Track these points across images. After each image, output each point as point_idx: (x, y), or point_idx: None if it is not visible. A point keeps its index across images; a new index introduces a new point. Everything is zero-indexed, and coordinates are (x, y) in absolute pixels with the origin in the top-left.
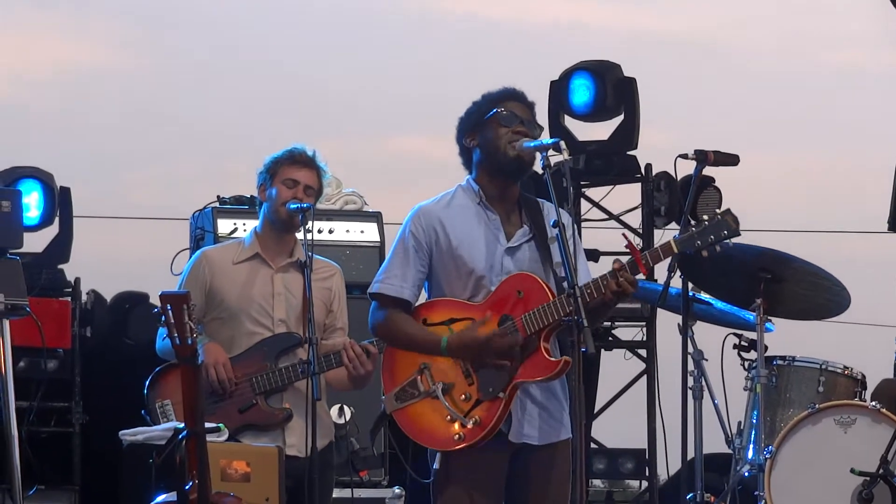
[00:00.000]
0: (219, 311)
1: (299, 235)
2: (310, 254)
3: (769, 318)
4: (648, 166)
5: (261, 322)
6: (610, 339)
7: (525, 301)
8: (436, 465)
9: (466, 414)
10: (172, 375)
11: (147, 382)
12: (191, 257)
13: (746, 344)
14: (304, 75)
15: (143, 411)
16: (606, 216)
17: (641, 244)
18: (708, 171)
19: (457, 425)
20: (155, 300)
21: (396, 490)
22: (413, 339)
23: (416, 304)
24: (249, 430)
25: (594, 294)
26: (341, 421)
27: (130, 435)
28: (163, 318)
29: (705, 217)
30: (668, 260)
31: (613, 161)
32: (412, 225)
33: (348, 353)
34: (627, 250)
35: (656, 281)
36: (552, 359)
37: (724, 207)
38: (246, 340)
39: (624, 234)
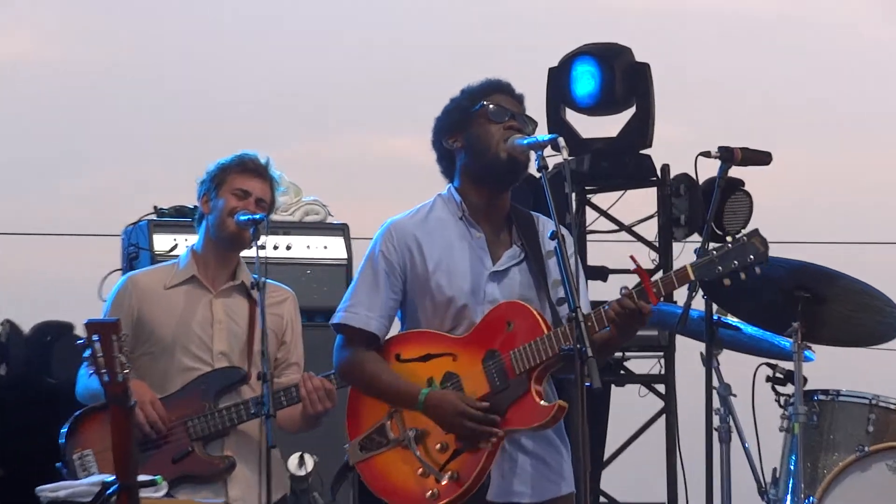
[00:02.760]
0: (149, 345)
1: (250, 252)
2: (262, 279)
3: (809, 345)
4: (665, 167)
5: (198, 356)
6: (621, 372)
7: (515, 334)
8: None
9: (442, 467)
10: (95, 421)
11: (64, 430)
12: (118, 282)
13: (782, 376)
14: (257, 69)
15: (58, 464)
16: (616, 227)
17: (658, 260)
18: (735, 171)
19: (431, 480)
20: (81, 331)
21: None
22: (382, 384)
23: (387, 336)
24: (186, 483)
25: (595, 328)
26: (302, 472)
27: (51, 491)
28: (88, 351)
29: (729, 239)
30: None
31: (624, 162)
32: (382, 243)
33: (306, 386)
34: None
35: (675, 303)
36: (544, 404)
37: (751, 226)
38: (181, 378)
39: (632, 258)
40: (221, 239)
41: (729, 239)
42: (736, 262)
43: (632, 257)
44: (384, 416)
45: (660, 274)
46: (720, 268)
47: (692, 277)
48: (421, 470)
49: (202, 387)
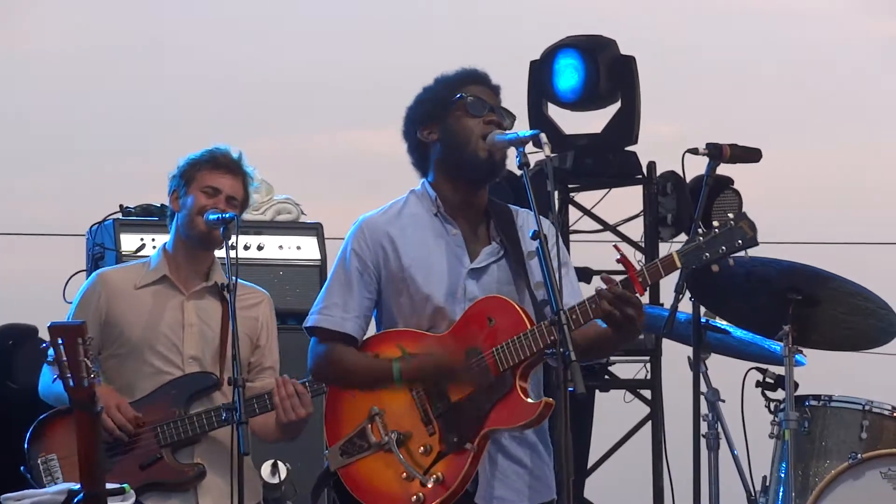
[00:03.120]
0: (117, 347)
1: (220, 253)
2: (233, 278)
3: (800, 348)
4: (651, 165)
5: (168, 359)
6: (606, 376)
7: (497, 330)
8: None
9: (426, 470)
10: (59, 425)
11: (28, 434)
12: (87, 280)
13: (772, 381)
14: (228, 64)
15: (22, 468)
16: (601, 227)
17: (644, 260)
18: (724, 169)
19: (415, 484)
20: (45, 334)
21: None
22: (357, 371)
23: (364, 337)
24: (154, 491)
25: (580, 321)
26: (275, 480)
27: (15, 500)
28: (52, 354)
29: (715, 224)
30: (675, 279)
31: (608, 159)
32: (354, 242)
33: (279, 393)
34: (621, 265)
35: (662, 305)
36: (531, 401)
37: (739, 212)
38: (150, 382)
39: (616, 247)
40: (191, 238)
41: (716, 223)
42: (724, 247)
43: (616, 247)
44: (365, 420)
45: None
46: (707, 254)
47: (678, 265)
48: (405, 474)
49: (172, 392)
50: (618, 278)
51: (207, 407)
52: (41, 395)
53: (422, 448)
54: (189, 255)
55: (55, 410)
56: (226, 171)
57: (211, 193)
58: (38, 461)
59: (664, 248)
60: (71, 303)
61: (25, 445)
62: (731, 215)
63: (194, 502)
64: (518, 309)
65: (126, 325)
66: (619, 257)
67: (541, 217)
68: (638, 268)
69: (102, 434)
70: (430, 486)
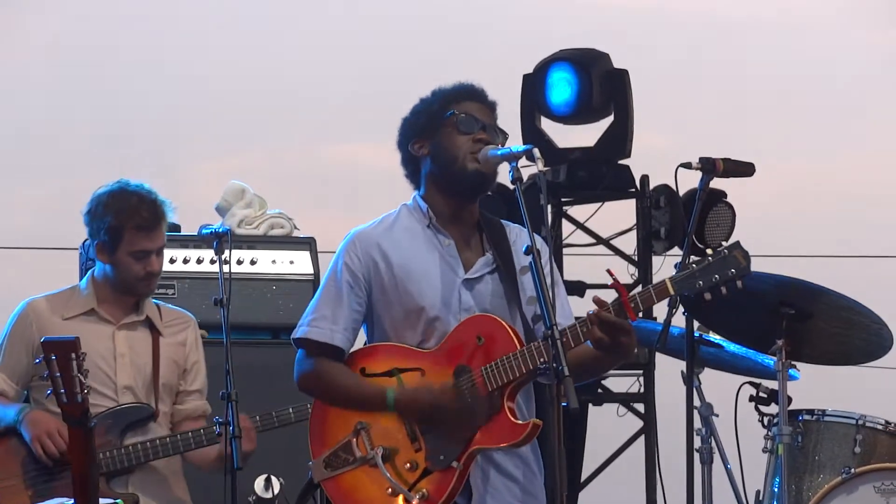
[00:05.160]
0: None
1: (214, 268)
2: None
3: (793, 363)
4: (645, 178)
5: (100, 391)
6: (599, 390)
7: (486, 349)
8: None
9: (412, 486)
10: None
11: None
12: (16, 309)
13: (765, 395)
14: (219, 77)
15: None
16: (594, 240)
17: (637, 274)
18: (717, 183)
19: (400, 500)
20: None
21: None
22: (349, 392)
23: (352, 350)
24: None
25: (570, 343)
26: (268, 495)
27: None
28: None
29: (709, 252)
30: None
31: (602, 172)
32: (346, 254)
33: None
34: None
35: (655, 319)
36: (518, 422)
37: (734, 239)
38: None
39: (609, 272)
40: (126, 292)
41: (709, 251)
42: (717, 276)
43: (609, 271)
44: (350, 433)
45: (639, 289)
46: (700, 282)
47: (672, 292)
48: (390, 489)
49: (108, 421)
50: (609, 299)
51: (143, 438)
52: None
53: (407, 464)
54: (119, 294)
55: None
56: (150, 229)
57: (141, 257)
58: None
59: (657, 262)
60: (65, 320)
61: None
62: (724, 244)
63: None
64: (508, 329)
65: None
66: (612, 283)
67: (534, 234)
68: (630, 288)
69: (30, 460)
70: (414, 502)
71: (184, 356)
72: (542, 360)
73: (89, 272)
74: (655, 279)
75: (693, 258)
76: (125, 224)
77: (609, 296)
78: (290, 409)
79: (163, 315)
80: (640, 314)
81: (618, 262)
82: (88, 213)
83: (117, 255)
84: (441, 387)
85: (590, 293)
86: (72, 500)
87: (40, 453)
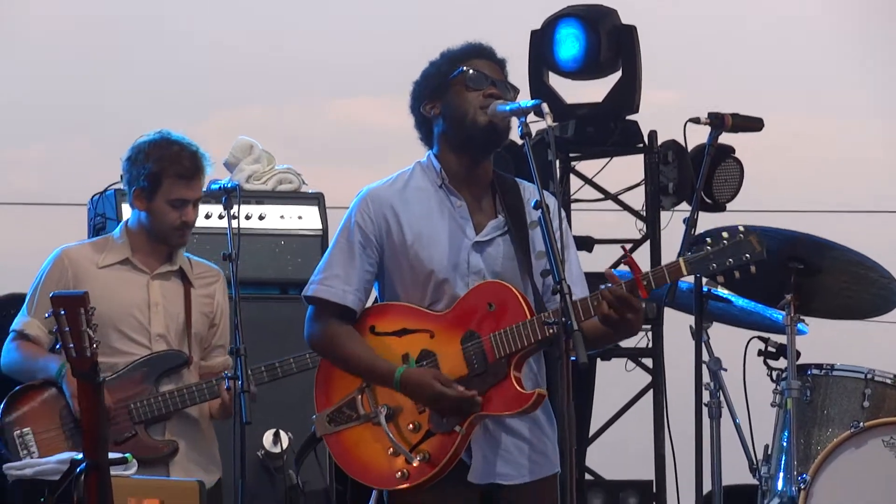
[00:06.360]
0: None
1: (222, 223)
2: (232, 252)
3: (802, 317)
4: (653, 134)
5: (135, 339)
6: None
7: (496, 316)
8: None
9: (413, 448)
10: (32, 399)
11: (1, 407)
12: (50, 256)
13: (774, 350)
14: (223, 30)
15: None
16: (602, 195)
17: (645, 230)
18: (725, 138)
19: (401, 460)
20: None
21: None
22: (360, 364)
23: (364, 308)
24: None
25: (581, 317)
26: (277, 450)
27: (17, 469)
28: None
29: (724, 235)
30: (678, 247)
31: (610, 128)
32: (358, 213)
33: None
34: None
35: None
36: (524, 391)
37: (742, 194)
38: (118, 360)
39: (623, 247)
40: (159, 240)
41: (725, 235)
42: (731, 259)
43: (623, 247)
44: (355, 391)
45: (647, 247)
46: (714, 265)
47: (685, 273)
48: (391, 449)
49: (144, 369)
50: (616, 255)
51: (177, 384)
52: (7, 370)
53: (410, 425)
54: (153, 243)
55: (27, 384)
56: (190, 178)
57: (179, 206)
58: (14, 434)
59: (665, 217)
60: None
61: None
62: (741, 228)
63: (165, 475)
64: (519, 297)
65: (92, 304)
66: (625, 259)
67: (544, 191)
68: (637, 244)
69: (69, 412)
70: (415, 463)
71: (212, 309)
72: (550, 332)
73: (122, 222)
74: (664, 234)
75: (707, 240)
76: (166, 171)
77: (615, 251)
78: (292, 360)
79: (193, 267)
80: (652, 291)
81: (626, 218)
82: (129, 160)
83: (155, 202)
84: (446, 379)
85: (597, 248)
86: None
87: (78, 409)
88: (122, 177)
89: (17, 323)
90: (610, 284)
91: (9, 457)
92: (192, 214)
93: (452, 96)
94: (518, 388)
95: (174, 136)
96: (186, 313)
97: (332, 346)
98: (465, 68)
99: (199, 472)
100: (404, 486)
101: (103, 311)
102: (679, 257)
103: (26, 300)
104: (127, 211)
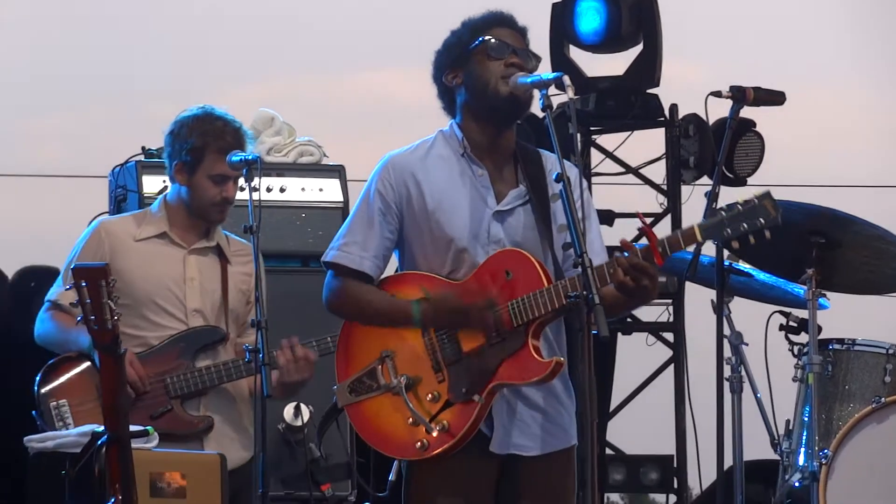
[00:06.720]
0: (120, 299)
1: (243, 195)
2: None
3: (823, 292)
4: (674, 107)
5: (171, 313)
6: (629, 319)
7: (514, 284)
8: (392, 476)
9: (433, 418)
10: (68, 370)
11: (38, 378)
12: (87, 228)
13: (796, 324)
14: (248, 5)
15: (34, 412)
16: (623, 169)
17: (666, 203)
18: (747, 112)
19: (420, 430)
20: None
21: None
22: (375, 307)
23: (382, 277)
24: (162, 441)
25: (597, 284)
26: (298, 423)
27: (38, 441)
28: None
29: (739, 201)
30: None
31: (631, 101)
32: (379, 180)
33: (286, 355)
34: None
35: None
36: (542, 359)
37: (763, 168)
38: (154, 334)
39: (639, 215)
40: (197, 216)
41: (739, 200)
42: (745, 224)
43: (639, 215)
44: (375, 360)
45: (667, 221)
46: (729, 230)
47: (699, 238)
48: (411, 419)
49: (181, 344)
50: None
51: (214, 360)
52: (40, 341)
53: (430, 395)
54: (191, 218)
55: (64, 356)
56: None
57: (219, 181)
58: (50, 405)
59: (686, 191)
60: (74, 245)
61: (35, 389)
62: (756, 194)
63: (200, 450)
64: (537, 265)
65: (128, 277)
66: (642, 227)
67: (564, 161)
68: (658, 218)
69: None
70: (435, 434)
71: (249, 287)
72: (567, 299)
73: (160, 196)
74: (684, 208)
75: (723, 203)
76: (209, 146)
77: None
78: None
79: (231, 244)
80: (666, 259)
81: (647, 191)
82: (171, 134)
83: (196, 176)
84: (464, 294)
85: (618, 222)
86: (102, 427)
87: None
88: (161, 150)
89: (52, 293)
90: (626, 252)
91: (44, 427)
92: (232, 191)
93: (474, 65)
94: (536, 356)
95: (217, 112)
96: (223, 290)
97: (348, 301)
98: (486, 37)
99: (234, 448)
100: (424, 456)
101: (139, 284)
102: (693, 224)
103: (62, 271)
104: (148, 183)
